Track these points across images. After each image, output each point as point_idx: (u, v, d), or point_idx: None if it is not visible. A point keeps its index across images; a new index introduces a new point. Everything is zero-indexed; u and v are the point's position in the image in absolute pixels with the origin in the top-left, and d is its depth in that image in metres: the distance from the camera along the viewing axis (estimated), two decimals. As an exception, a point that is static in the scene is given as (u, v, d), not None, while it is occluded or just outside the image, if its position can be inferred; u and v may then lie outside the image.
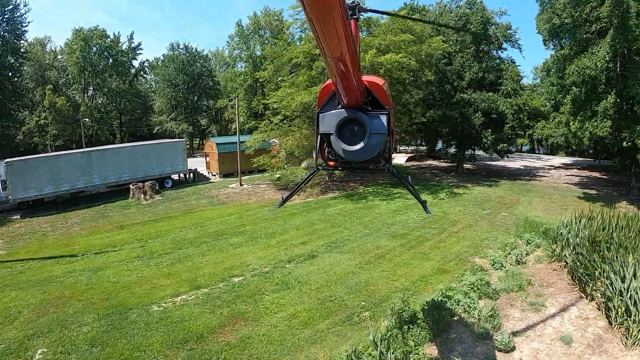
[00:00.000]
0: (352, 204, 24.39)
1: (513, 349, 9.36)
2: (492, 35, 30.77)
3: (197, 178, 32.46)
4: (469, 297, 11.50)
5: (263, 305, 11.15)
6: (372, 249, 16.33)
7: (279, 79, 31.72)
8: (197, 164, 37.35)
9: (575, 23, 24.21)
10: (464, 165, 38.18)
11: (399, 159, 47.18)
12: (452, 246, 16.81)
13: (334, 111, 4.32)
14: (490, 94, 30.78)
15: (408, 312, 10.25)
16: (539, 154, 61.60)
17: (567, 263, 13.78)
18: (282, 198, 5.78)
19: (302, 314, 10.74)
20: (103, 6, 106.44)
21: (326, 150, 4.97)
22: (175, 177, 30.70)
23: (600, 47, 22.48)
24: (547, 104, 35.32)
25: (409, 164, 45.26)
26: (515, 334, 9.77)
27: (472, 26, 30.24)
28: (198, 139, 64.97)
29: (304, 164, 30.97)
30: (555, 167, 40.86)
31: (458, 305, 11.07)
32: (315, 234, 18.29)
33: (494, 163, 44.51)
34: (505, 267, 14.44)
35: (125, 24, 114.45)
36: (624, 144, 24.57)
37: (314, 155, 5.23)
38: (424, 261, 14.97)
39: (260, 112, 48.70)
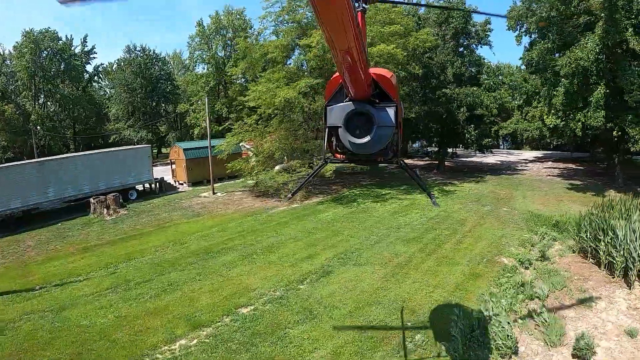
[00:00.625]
0: (345, 208, 22.15)
1: (594, 353, 8.18)
2: (473, 30, 30.03)
3: (165, 188, 28.87)
4: (518, 302, 10.53)
5: (292, 343, 8.55)
6: (390, 257, 14.17)
7: (248, 78, 29.04)
8: (159, 173, 33.61)
9: (562, 16, 23.91)
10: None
11: None
12: (472, 247, 15.30)
13: (341, 104, 4.24)
14: (475, 88, 29.82)
15: (476, 330, 8.63)
16: (502, 149, 62.57)
17: (596, 254, 13.11)
18: (291, 191, 5.55)
19: (347, 349, 8.32)
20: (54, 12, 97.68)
21: (334, 143, 4.75)
22: (139, 187, 26.96)
23: (588, 40, 22.17)
24: (517, 99, 35.14)
25: (384, 164, 43.55)
26: (583, 335, 8.40)
27: (454, 20, 29.20)
28: (156, 147, 60.11)
29: (277, 168, 28.66)
30: (530, 161, 40.95)
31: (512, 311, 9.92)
32: (317, 244, 15.82)
33: (469, 159, 44.10)
34: (532, 265, 13.43)
35: (75, 29, 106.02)
36: (614, 133, 24.38)
37: (323, 148, 4.97)
38: (452, 266, 13.29)
39: (224, 115, 45.44)
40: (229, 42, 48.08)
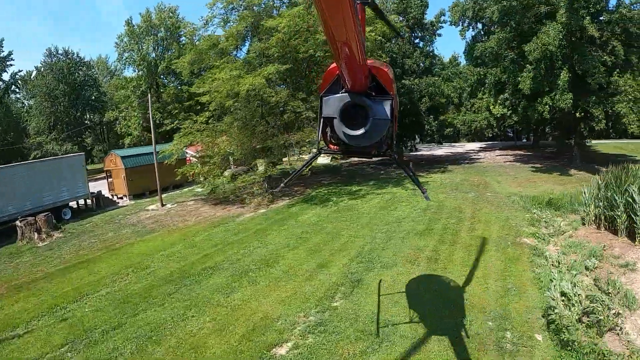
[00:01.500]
0: (324, 208, 19.67)
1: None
2: (428, 22, 29.48)
3: (103, 203, 24.04)
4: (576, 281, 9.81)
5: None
6: (414, 253, 12.14)
7: (194, 71, 25.40)
8: (92, 187, 28.29)
9: (523, 6, 24.10)
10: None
11: (323, 158, 44.08)
12: (488, 232, 14.22)
13: (337, 95, 4.06)
14: (436, 78, 29.13)
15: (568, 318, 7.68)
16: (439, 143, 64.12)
17: (613, 222, 13.02)
18: (284, 182, 5.07)
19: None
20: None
21: (328, 134, 4.52)
22: (73, 204, 21.99)
23: (550, 27, 22.50)
24: (464, 90, 35.51)
25: (337, 162, 41.76)
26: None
27: (412, 10, 28.26)
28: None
29: (227, 173, 25.50)
30: (479, 151, 41.68)
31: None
32: (321, 250, 13.15)
33: (419, 153, 43.82)
34: (553, 240, 13.31)
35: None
36: (577, 114, 24.96)
37: (317, 138, 4.60)
38: (483, 254, 12.03)
39: (158, 121, 40.59)
40: (160, 42, 43.20)
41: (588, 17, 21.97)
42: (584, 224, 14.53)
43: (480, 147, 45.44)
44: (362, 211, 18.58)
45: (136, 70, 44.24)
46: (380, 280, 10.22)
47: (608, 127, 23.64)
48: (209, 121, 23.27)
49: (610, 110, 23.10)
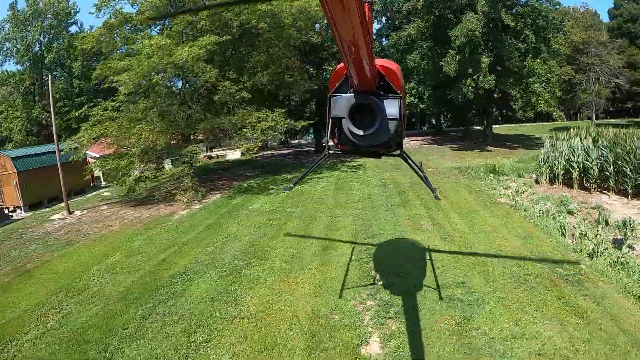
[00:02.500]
0: (270, 197, 17.58)
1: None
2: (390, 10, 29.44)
3: (-6, 217, 18.08)
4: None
5: None
6: (413, 222, 11.47)
7: (104, 50, 20.72)
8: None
9: None
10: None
11: (235, 153, 41.35)
12: (465, 198, 14.27)
13: (346, 95, 4.14)
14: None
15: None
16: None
17: (567, 177, 14.69)
18: (293, 182, 5.14)
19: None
20: None
21: (337, 135, 4.46)
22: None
23: (470, 17, 24.06)
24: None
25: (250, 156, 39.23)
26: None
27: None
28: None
29: (168, 166, 22.15)
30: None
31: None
32: (310, 233, 11.33)
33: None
34: (520, 198, 13.83)
35: None
36: (495, 95, 27.16)
37: (326, 138, 4.61)
38: (476, 215, 11.90)
39: (45, 122, 33.42)
40: (47, 30, 35.45)
41: (504, 9, 24.20)
42: (537, 182, 15.52)
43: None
44: (318, 194, 17.12)
45: (19, 64, 35.71)
46: (354, 247, 9.27)
47: (524, 105, 26.28)
48: (121, 107, 19.19)
49: (524, 91, 25.60)
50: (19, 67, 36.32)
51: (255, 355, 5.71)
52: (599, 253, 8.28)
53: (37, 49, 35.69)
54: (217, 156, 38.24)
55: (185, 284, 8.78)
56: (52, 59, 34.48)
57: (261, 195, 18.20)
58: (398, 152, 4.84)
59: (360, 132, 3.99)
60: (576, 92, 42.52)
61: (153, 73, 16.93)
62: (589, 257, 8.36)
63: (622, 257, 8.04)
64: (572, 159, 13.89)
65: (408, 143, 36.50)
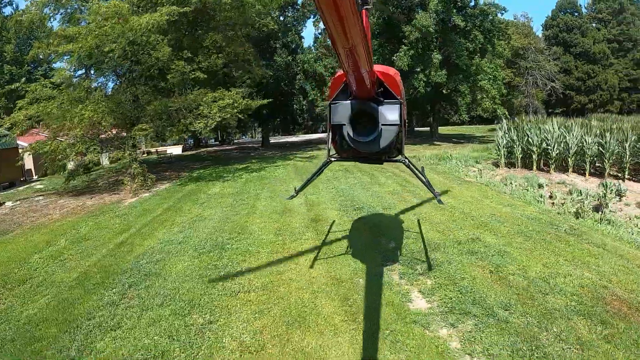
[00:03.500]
0: (228, 182, 16.33)
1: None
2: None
3: None
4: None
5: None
6: (397, 197, 10.78)
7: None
8: None
9: None
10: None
11: (176, 149, 39.04)
12: (434, 177, 13.98)
13: (345, 102, 4.08)
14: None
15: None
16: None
17: (526, 159, 15.31)
18: (295, 190, 4.97)
19: None
20: None
21: (337, 141, 4.39)
22: None
23: (422, 15, 24.78)
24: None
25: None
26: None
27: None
28: None
29: (69, 165, 20.07)
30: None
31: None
32: (291, 209, 10.41)
33: (283, 140, 42.85)
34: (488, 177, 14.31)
35: None
36: (444, 91, 28.11)
37: (327, 146, 4.62)
38: (454, 190, 11.79)
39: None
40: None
41: (455, 10, 25.36)
42: (497, 166, 16.09)
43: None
44: (281, 177, 16.42)
45: None
46: (334, 221, 8.67)
47: (471, 102, 27.51)
48: (62, 86, 16.73)
49: (472, 88, 26.85)
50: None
51: (286, 329, 4.68)
52: (584, 213, 8.47)
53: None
54: (157, 151, 35.94)
55: (159, 263, 7.36)
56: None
57: (217, 182, 16.86)
58: (399, 157, 4.83)
59: (361, 139, 3.95)
60: (515, 94, 46.00)
61: (105, 43, 14.80)
62: (575, 217, 8.53)
63: (605, 216, 8.29)
64: (532, 142, 14.56)
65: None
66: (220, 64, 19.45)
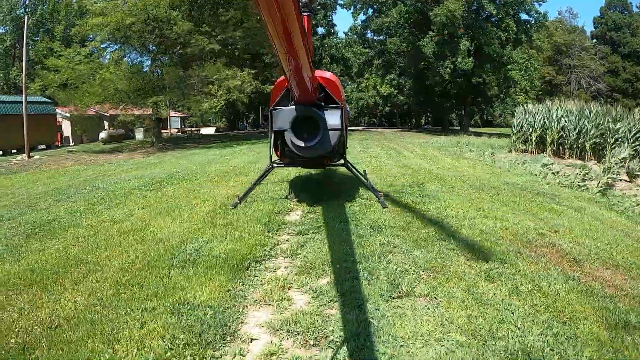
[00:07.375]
0: (222, 150, 16.21)
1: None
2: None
3: None
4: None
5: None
6: (400, 170, 9.84)
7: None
8: None
9: None
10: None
11: (210, 130, 40.03)
12: (432, 155, 12.70)
13: (287, 107, 4.02)
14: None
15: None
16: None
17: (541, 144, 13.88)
18: (238, 197, 4.57)
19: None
20: None
21: (280, 147, 4.43)
22: None
23: (450, 1, 23.13)
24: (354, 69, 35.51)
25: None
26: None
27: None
28: None
29: (102, 134, 22.56)
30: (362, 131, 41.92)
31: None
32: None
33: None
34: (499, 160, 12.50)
35: None
36: (473, 80, 26.24)
37: (269, 152, 4.58)
38: (461, 162, 10.77)
39: (21, 83, 31.39)
40: None
41: None
42: (510, 151, 14.75)
43: (363, 129, 46.16)
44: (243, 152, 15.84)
45: (1, 25, 34.08)
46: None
47: (501, 94, 25.35)
48: (92, 56, 17.82)
49: (503, 79, 24.72)
50: (1, 29, 34.49)
51: (153, 216, 4.47)
52: (576, 185, 7.23)
53: (21, 11, 33.64)
54: (192, 131, 39.02)
55: (115, 186, 7.34)
56: (33, 22, 32.39)
57: (213, 149, 17.06)
58: (341, 162, 4.70)
59: (303, 144, 3.84)
60: (556, 94, 42.19)
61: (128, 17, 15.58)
62: (565, 188, 7.33)
63: (601, 187, 7.01)
64: (548, 125, 12.98)
65: (382, 132, 35.24)
66: (237, 36, 19.22)
